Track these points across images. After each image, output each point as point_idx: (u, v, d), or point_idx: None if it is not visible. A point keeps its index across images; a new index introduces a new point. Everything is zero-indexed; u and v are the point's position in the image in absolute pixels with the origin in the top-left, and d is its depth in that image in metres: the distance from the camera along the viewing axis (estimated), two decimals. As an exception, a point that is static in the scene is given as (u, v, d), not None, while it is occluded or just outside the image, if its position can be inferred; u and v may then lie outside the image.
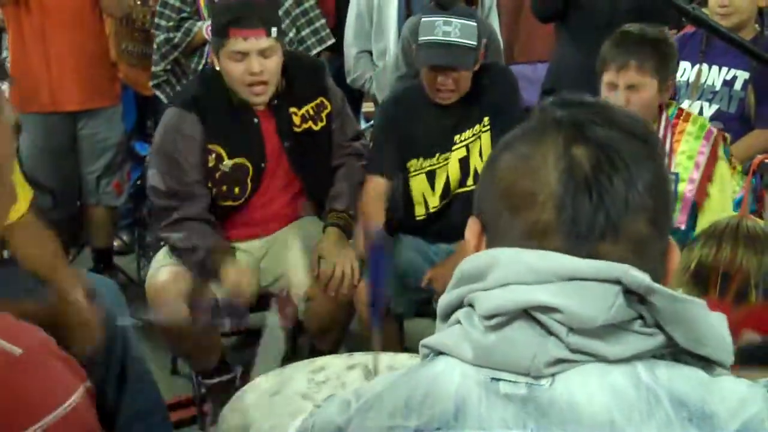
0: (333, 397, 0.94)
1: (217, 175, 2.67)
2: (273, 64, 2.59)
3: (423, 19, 2.76)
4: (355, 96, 4.20)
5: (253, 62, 2.54)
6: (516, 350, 0.80)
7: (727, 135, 2.69)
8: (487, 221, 0.89)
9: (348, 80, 3.81)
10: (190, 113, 2.62)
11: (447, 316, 0.88)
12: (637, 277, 0.79)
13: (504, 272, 0.82)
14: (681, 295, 0.81)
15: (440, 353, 0.86)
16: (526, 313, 0.80)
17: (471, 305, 0.85)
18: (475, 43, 2.71)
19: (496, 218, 0.87)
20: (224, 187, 2.68)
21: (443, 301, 0.89)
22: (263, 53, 2.56)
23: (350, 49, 3.77)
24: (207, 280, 2.61)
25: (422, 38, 2.72)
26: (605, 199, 0.81)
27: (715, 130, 2.62)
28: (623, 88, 2.51)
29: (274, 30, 2.58)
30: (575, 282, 0.80)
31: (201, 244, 2.60)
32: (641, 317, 0.81)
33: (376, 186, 2.85)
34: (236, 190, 2.69)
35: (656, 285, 0.80)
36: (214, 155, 2.65)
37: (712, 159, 2.56)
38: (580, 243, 0.82)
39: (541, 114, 0.88)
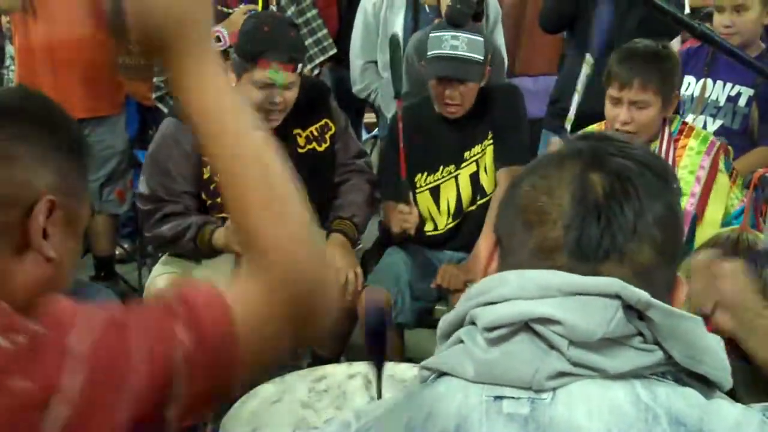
0: (333, 419, 0.94)
1: (212, 186, 2.68)
2: (292, 96, 2.64)
3: (432, 35, 2.82)
4: (357, 106, 4.22)
5: (275, 94, 2.59)
6: (518, 364, 0.81)
7: (730, 148, 2.70)
8: (502, 236, 0.91)
9: (354, 90, 3.82)
10: (187, 125, 2.63)
11: (447, 335, 0.89)
12: (636, 291, 0.81)
13: (509, 288, 0.84)
14: (678, 311, 0.82)
15: (441, 374, 0.87)
16: (528, 327, 0.82)
17: (473, 322, 0.85)
18: (482, 57, 2.76)
19: (510, 233, 0.89)
20: (219, 199, 2.70)
21: (444, 321, 0.90)
22: (286, 86, 2.60)
23: (356, 60, 3.78)
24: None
25: (431, 53, 2.79)
26: (613, 224, 0.83)
27: (717, 143, 2.63)
28: (627, 104, 2.53)
29: (300, 66, 2.64)
30: (576, 297, 0.81)
31: (188, 223, 2.62)
32: (641, 334, 0.82)
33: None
34: None
35: (654, 300, 0.81)
36: (209, 167, 2.67)
37: (713, 172, 2.58)
38: (584, 262, 0.84)
39: (565, 144, 0.92)
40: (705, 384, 0.84)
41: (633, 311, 0.81)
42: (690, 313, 0.83)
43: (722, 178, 2.59)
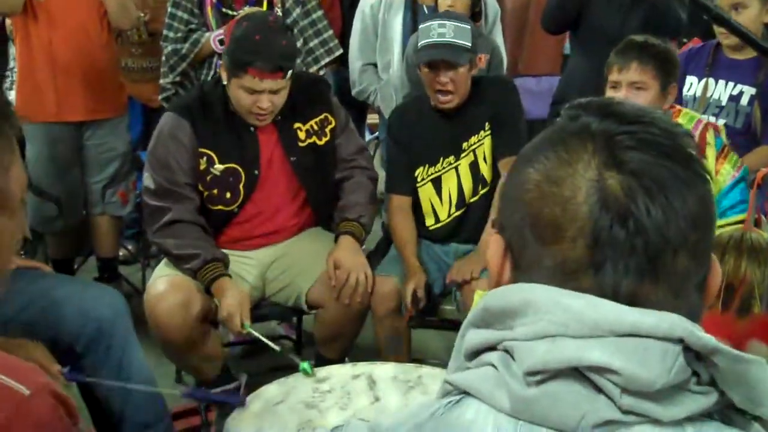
0: (348, 428, 0.87)
1: (209, 178, 2.70)
2: (280, 99, 2.66)
3: (421, 26, 2.89)
4: (360, 108, 4.22)
5: (263, 100, 2.61)
6: (562, 407, 0.74)
7: (720, 126, 2.76)
8: (512, 243, 0.82)
9: (353, 92, 3.83)
10: (184, 119, 2.68)
11: (474, 354, 0.81)
12: (702, 338, 0.73)
13: (547, 321, 0.75)
14: (745, 356, 0.75)
15: (465, 393, 0.80)
16: (576, 370, 0.74)
17: (508, 351, 0.78)
18: (469, 44, 2.81)
19: (522, 244, 0.80)
20: (215, 191, 2.71)
21: (471, 341, 0.81)
22: (274, 92, 2.62)
23: (355, 62, 3.79)
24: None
25: (420, 43, 2.84)
26: (641, 238, 0.75)
27: (704, 121, 2.72)
28: (625, 86, 2.63)
29: (290, 73, 2.63)
30: (632, 339, 0.73)
31: (196, 251, 2.63)
32: (695, 373, 0.75)
33: (400, 203, 2.98)
34: (227, 194, 2.72)
35: (721, 345, 0.74)
36: (205, 158, 2.70)
37: (701, 145, 2.65)
38: (616, 285, 0.76)
39: (571, 122, 0.81)
40: (752, 417, 0.79)
41: (692, 352, 0.74)
42: (755, 356, 0.76)
43: (710, 152, 2.67)
